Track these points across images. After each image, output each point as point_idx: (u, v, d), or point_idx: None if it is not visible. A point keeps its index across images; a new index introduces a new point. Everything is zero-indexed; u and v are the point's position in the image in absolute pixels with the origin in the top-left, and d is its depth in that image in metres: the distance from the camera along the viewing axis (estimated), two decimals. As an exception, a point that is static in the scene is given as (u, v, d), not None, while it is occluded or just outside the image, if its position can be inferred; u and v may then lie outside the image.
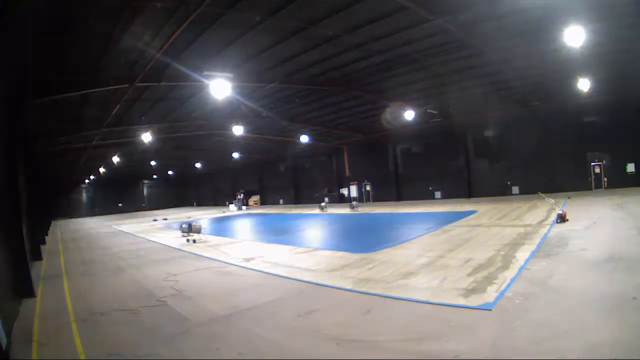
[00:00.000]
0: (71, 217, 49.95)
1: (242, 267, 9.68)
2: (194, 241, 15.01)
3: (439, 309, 5.38)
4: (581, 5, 9.75)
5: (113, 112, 14.77)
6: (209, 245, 14.15)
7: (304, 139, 27.27)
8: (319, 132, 27.87)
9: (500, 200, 21.72)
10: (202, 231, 16.18)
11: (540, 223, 11.97)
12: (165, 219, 32.58)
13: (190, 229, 15.79)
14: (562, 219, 11.47)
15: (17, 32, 7.15)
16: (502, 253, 8.33)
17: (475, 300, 5.49)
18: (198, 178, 58.98)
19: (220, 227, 23.20)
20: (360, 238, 14.17)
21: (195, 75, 11.95)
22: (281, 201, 42.11)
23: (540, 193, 19.70)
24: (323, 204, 27.99)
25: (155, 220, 32.47)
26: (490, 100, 19.78)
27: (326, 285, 7.16)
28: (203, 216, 33.50)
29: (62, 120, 16.06)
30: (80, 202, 54.41)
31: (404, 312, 5.46)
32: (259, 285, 7.79)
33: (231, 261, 10.52)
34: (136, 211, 53.89)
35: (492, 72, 15.44)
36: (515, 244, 9.11)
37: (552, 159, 22.03)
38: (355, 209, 24.67)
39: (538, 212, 14.69)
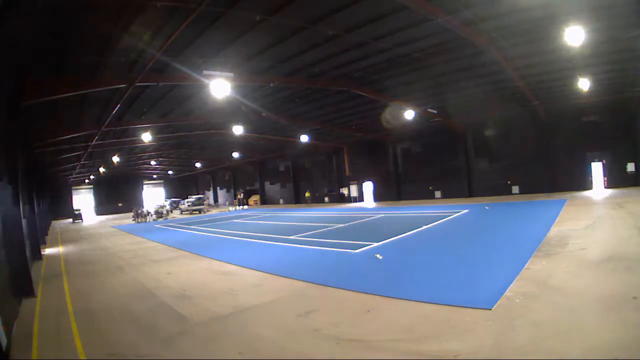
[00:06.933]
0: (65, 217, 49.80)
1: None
2: None
3: (439, 308, 5.37)
4: (581, 5, 9.75)
5: (113, 112, 14.74)
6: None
7: (304, 138, 27.24)
8: (319, 132, 27.82)
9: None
10: None
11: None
12: None
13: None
14: None
15: (16, 31, 7.13)
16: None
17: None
18: (198, 178, 59.03)
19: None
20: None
21: (195, 75, 11.92)
22: (281, 201, 42.07)
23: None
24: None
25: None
26: (490, 100, 19.75)
27: (326, 285, 7.17)
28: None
29: (62, 120, 16.03)
30: (81, 202, 54.32)
31: (403, 312, 5.45)
32: (257, 285, 7.79)
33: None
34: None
35: (492, 72, 15.42)
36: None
37: (552, 159, 22.03)
38: None
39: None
